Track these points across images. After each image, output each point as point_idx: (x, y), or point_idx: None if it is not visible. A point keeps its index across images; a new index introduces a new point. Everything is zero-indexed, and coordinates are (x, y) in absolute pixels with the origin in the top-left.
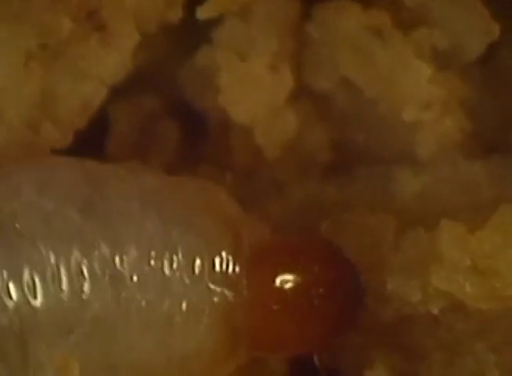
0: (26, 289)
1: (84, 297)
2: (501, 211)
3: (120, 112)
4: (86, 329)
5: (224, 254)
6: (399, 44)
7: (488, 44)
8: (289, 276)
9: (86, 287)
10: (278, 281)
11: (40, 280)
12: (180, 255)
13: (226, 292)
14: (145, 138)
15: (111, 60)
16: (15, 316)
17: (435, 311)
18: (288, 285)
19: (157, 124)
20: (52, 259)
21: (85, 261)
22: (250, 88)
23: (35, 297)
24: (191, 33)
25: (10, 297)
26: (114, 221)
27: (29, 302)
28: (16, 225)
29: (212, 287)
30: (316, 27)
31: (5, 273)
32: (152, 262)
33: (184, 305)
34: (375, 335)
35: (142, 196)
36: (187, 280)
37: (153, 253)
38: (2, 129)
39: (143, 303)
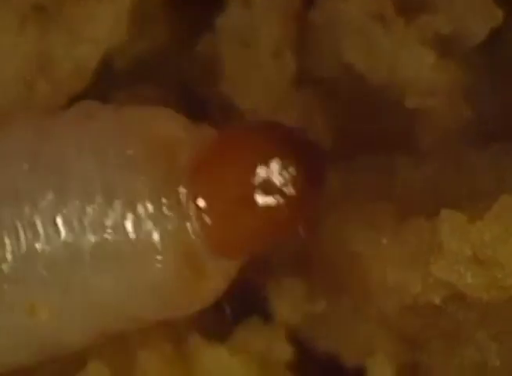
0: None
1: (37, 245)
2: (501, 201)
3: (122, 101)
4: (42, 274)
5: (161, 182)
6: (402, 30)
7: (491, 29)
8: (234, 169)
9: (40, 235)
10: (225, 177)
11: None
12: (120, 196)
13: (175, 217)
14: None
15: (106, 19)
16: None
17: (436, 301)
18: (236, 178)
19: None
20: (7, 212)
21: (36, 211)
22: (252, 76)
23: None
24: (193, 20)
25: None
26: (57, 168)
27: None
28: None
29: (157, 218)
30: (319, 13)
31: None
32: (95, 204)
33: (133, 241)
34: (376, 325)
35: (80, 139)
36: (132, 218)
37: (95, 196)
38: (1, 88)
39: (93, 243)
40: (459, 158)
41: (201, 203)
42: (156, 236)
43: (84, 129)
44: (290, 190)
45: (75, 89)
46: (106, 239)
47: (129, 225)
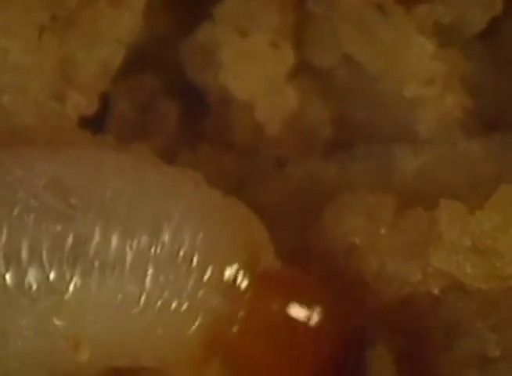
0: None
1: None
2: (501, 190)
3: (120, 91)
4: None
5: (237, 267)
6: (401, 19)
7: (490, 18)
8: (286, 310)
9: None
10: (276, 311)
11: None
12: (196, 258)
13: (225, 302)
14: (145, 116)
15: (124, 19)
16: None
17: (435, 291)
18: (281, 318)
19: (157, 103)
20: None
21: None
22: (250, 65)
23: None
24: (191, 9)
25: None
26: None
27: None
28: None
29: (213, 292)
30: (318, 2)
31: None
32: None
33: (179, 300)
34: (376, 315)
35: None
36: (192, 280)
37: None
38: (29, 106)
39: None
40: (458, 148)
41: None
42: (199, 311)
43: (192, 197)
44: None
45: (102, 89)
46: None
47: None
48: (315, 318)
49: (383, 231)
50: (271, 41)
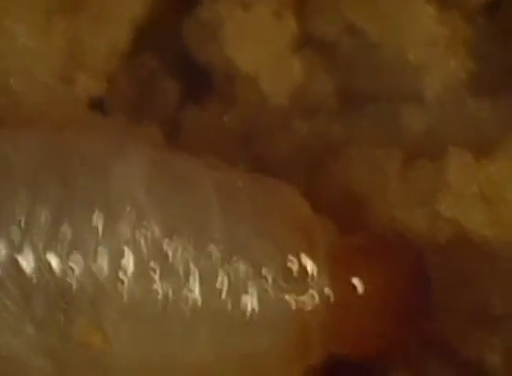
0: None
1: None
2: (508, 140)
3: (120, 70)
4: (120, 310)
5: (297, 257)
6: None
7: None
8: (369, 276)
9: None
10: (359, 282)
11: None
12: (247, 260)
13: (300, 297)
14: (147, 95)
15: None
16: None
17: (442, 241)
18: (369, 285)
19: (159, 81)
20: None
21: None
22: (254, 37)
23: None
24: None
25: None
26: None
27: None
28: None
29: (282, 292)
30: None
31: None
32: (212, 258)
33: (251, 310)
34: None
35: (213, 192)
36: (254, 286)
37: (217, 253)
38: (39, 89)
39: (200, 300)
40: (465, 107)
41: (331, 293)
42: (274, 312)
43: (217, 181)
44: (407, 302)
45: (112, 70)
46: (217, 299)
47: (250, 292)
48: (397, 272)
49: (391, 182)
50: (273, 13)
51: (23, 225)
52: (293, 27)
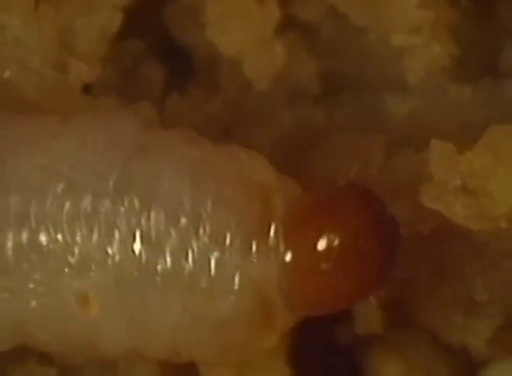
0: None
1: (109, 249)
2: (490, 131)
3: (105, 55)
4: (109, 276)
5: (255, 224)
6: None
7: None
8: (332, 232)
9: (114, 238)
10: (322, 239)
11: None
12: (209, 228)
13: (260, 262)
14: (131, 80)
15: None
16: None
17: (425, 231)
18: (334, 241)
19: (143, 66)
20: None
21: (116, 213)
22: (237, 21)
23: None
24: None
25: None
26: (148, 186)
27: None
28: None
29: (243, 259)
30: None
31: None
32: (180, 229)
33: (211, 276)
34: None
35: (177, 162)
36: (216, 252)
37: (183, 220)
38: (32, 79)
39: (169, 267)
40: (447, 93)
41: (290, 256)
42: (236, 279)
43: (182, 154)
44: (371, 256)
45: (102, 54)
46: (184, 267)
47: (212, 260)
48: (362, 224)
49: (373, 172)
50: None
51: None
52: (276, 10)
